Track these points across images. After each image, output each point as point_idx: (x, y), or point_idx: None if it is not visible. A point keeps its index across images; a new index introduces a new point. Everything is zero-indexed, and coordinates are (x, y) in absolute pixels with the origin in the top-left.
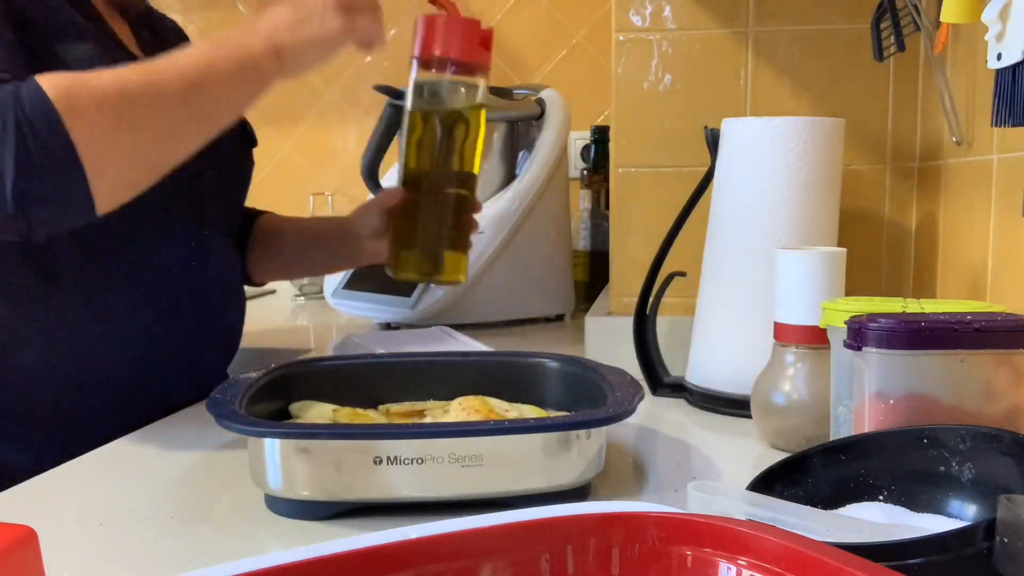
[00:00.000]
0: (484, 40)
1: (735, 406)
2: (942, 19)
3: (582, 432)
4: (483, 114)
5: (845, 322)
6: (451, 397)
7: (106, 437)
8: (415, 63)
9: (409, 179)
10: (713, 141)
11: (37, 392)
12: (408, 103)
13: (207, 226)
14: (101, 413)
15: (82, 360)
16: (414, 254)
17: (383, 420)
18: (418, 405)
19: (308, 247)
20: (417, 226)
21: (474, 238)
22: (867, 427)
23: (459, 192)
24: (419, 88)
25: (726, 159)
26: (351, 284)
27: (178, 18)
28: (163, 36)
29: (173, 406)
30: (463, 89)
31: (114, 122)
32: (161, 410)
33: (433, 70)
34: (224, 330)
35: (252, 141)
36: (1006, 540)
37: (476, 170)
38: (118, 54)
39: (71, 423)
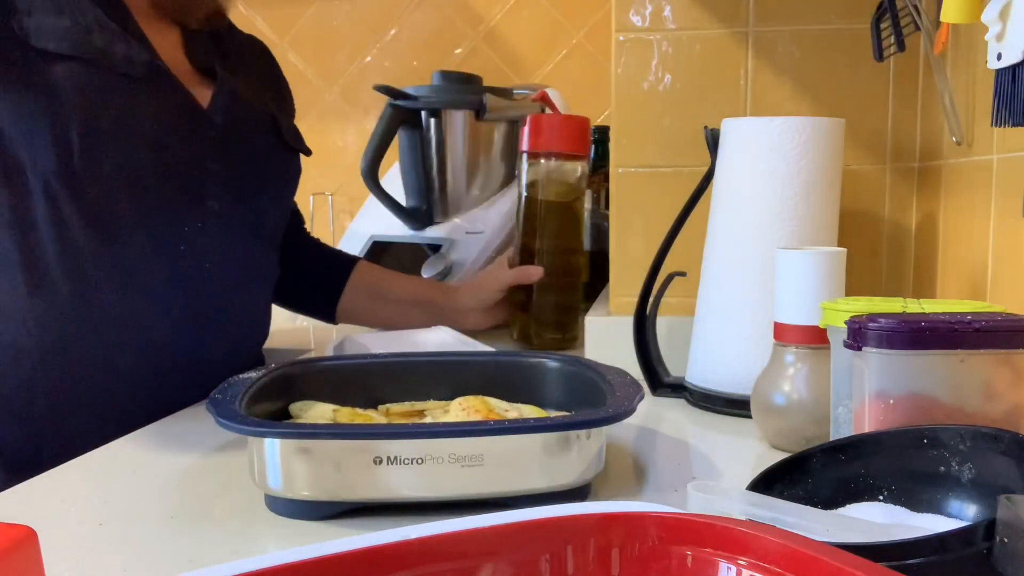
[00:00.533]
0: (583, 132)
1: (735, 406)
2: (942, 19)
3: (582, 432)
4: (584, 193)
5: (845, 322)
6: (451, 397)
7: (101, 422)
8: (526, 155)
9: (530, 255)
10: (713, 141)
11: (22, 368)
12: (523, 190)
13: (206, 218)
14: (90, 395)
15: (68, 337)
16: (548, 323)
17: (383, 420)
18: (418, 405)
19: (410, 309)
20: (547, 298)
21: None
22: (867, 427)
23: (576, 260)
24: (531, 175)
25: (726, 159)
26: None
27: None
28: (230, 53)
29: (167, 403)
30: (567, 173)
31: None
32: (154, 402)
33: (541, 160)
34: (227, 332)
35: (291, 145)
36: (1006, 540)
37: (583, 238)
38: (134, 52)
39: (62, 404)
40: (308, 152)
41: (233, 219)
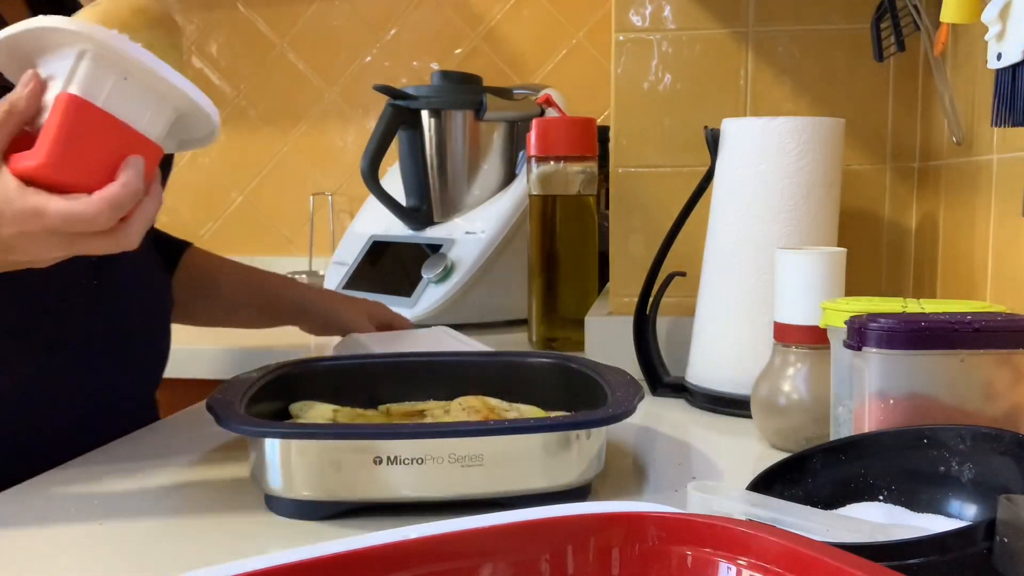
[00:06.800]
0: (590, 133)
1: (735, 406)
2: (942, 19)
3: (582, 432)
4: (595, 192)
5: (845, 322)
6: (451, 397)
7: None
8: (535, 160)
9: (548, 257)
10: (713, 141)
11: None
12: (531, 189)
13: None
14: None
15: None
16: (569, 323)
17: (383, 420)
18: (418, 405)
19: (252, 310)
20: (564, 298)
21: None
22: (867, 427)
23: (593, 260)
24: (543, 178)
25: (726, 159)
26: (351, 284)
27: (178, 18)
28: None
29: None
30: (575, 173)
31: None
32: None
33: (550, 162)
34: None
35: None
36: (1006, 540)
37: (597, 232)
38: None
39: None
40: None
41: None
